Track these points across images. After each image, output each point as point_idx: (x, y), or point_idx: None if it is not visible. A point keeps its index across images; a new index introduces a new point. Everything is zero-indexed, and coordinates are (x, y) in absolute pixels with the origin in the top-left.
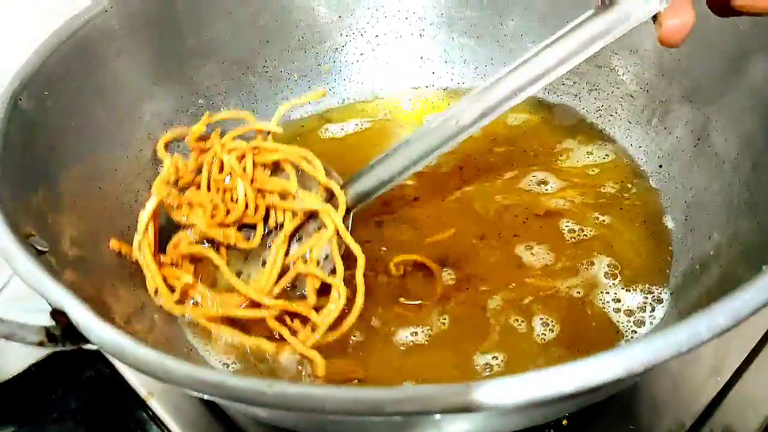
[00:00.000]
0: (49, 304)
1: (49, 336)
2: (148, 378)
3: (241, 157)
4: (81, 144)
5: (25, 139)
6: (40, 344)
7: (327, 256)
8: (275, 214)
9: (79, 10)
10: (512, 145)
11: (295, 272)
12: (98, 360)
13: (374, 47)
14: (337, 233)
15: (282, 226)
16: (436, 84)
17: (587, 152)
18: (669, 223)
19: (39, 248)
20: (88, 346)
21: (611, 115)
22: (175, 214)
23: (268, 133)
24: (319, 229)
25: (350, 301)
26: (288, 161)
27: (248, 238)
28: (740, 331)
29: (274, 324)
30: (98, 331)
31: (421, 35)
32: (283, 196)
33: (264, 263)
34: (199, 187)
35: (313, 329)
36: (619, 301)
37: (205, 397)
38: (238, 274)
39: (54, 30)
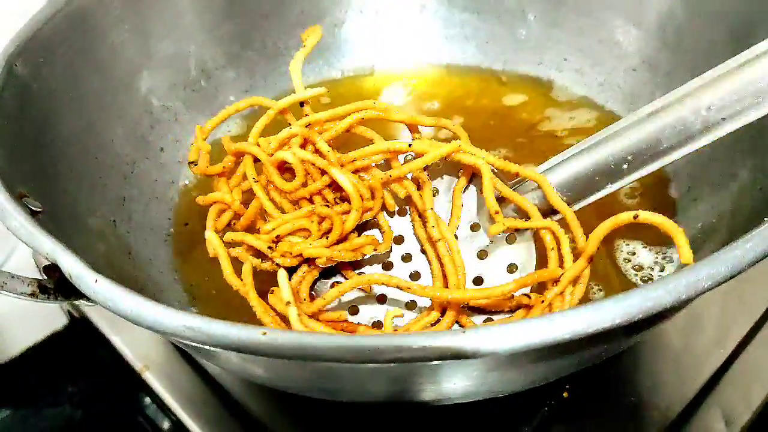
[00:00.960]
0: (37, 265)
1: (41, 288)
2: (143, 351)
3: (302, 145)
4: (77, 113)
5: (21, 104)
6: (32, 295)
7: None
8: (388, 191)
9: None
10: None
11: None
12: (95, 342)
13: (374, 23)
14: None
15: (409, 202)
16: (437, 60)
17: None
18: (673, 193)
19: (33, 209)
20: (80, 302)
21: (613, 90)
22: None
23: (302, 104)
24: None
25: None
26: (360, 123)
27: None
28: (744, 302)
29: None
30: (91, 282)
31: (421, 11)
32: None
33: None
34: (264, 218)
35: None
36: (633, 254)
37: (207, 347)
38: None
39: None
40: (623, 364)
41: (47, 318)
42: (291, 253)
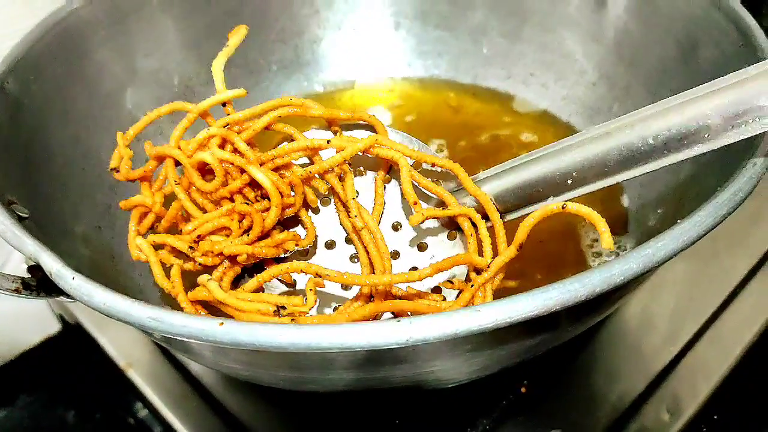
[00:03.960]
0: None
1: (25, 285)
2: (127, 351)
3: (221, 146)
4: (65, 127)
5: (11, 118)
6: (16, 291)
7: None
8: (311, 187)
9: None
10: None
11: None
12: (86, 347)
13: (351, 39)
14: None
15: (333, 193)
16: (411, 74)
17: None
18: (625, 201)
19: (21, 215)
20: (61, 299)
21: (575, 104)
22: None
23: (224, 104)
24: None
25: None
26: (278, 121)
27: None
28: (694, 304)
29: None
30: (69, 279)
31: (396, 28)
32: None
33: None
34: (186, 218)
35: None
36: (596, 240)
37: (171, 336)
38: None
39: (41, 19)
40: (579, 362)
41: (41, 323)
42: (212, 252)
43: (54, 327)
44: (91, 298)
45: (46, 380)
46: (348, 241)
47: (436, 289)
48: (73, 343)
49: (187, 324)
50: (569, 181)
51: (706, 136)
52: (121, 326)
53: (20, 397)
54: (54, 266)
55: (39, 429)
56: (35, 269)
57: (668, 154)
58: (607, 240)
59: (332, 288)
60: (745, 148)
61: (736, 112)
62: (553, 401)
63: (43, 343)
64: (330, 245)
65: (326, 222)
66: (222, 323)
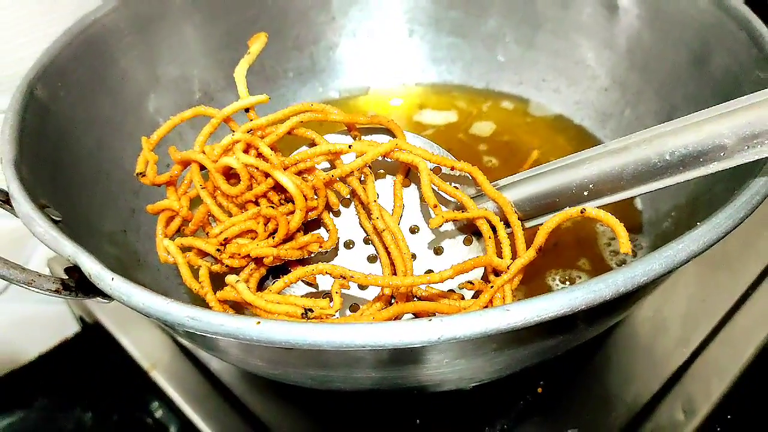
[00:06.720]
0: (51, 272)
1: (65, 286)
2: (150, 352)
3: (245, 150)
4: (90, 132)
5: (40, 124)
6: (56, 292)
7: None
8: (332, 190)
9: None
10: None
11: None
12: (105, 348)
13: (366, 46)
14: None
15: (354, 195)
16: (425, 80)
17: None
18: (639, 204)
19: (54, 218)
20: (98, 300)
21: (588, 109)
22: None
23: (247, 110)
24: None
25: None
26: (300, 125)
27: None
28: (707, 305)
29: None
30: (108, 280)
31: (410, 35)
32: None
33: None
34: (207, 221)
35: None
36: (613, 239)
37: (208, 335)
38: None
39: (67, 27)
40: (594, 362)
41: (59, 325)
42: (239, 254)
43: (71, 329)
44: (130, 299)
45: (63, 382)
46: (366, 241)
47: (450, 291)
48: (90, 345)
49: (224, 323)
50: (585, 193)
51: (721, 154)
52: (143, 327)
53: (38, 399)
54: (93, 268)
55: (56, 431)
56: (72, 270)
57: (684, 171)
58: (625, 245)
59: (351, 288)
60: (758, 160)
61: (752, 133)
62: (570, 402)
63: (60, 345)
64: (348, 245)
65: (345, 223)
66: (259, 322)
